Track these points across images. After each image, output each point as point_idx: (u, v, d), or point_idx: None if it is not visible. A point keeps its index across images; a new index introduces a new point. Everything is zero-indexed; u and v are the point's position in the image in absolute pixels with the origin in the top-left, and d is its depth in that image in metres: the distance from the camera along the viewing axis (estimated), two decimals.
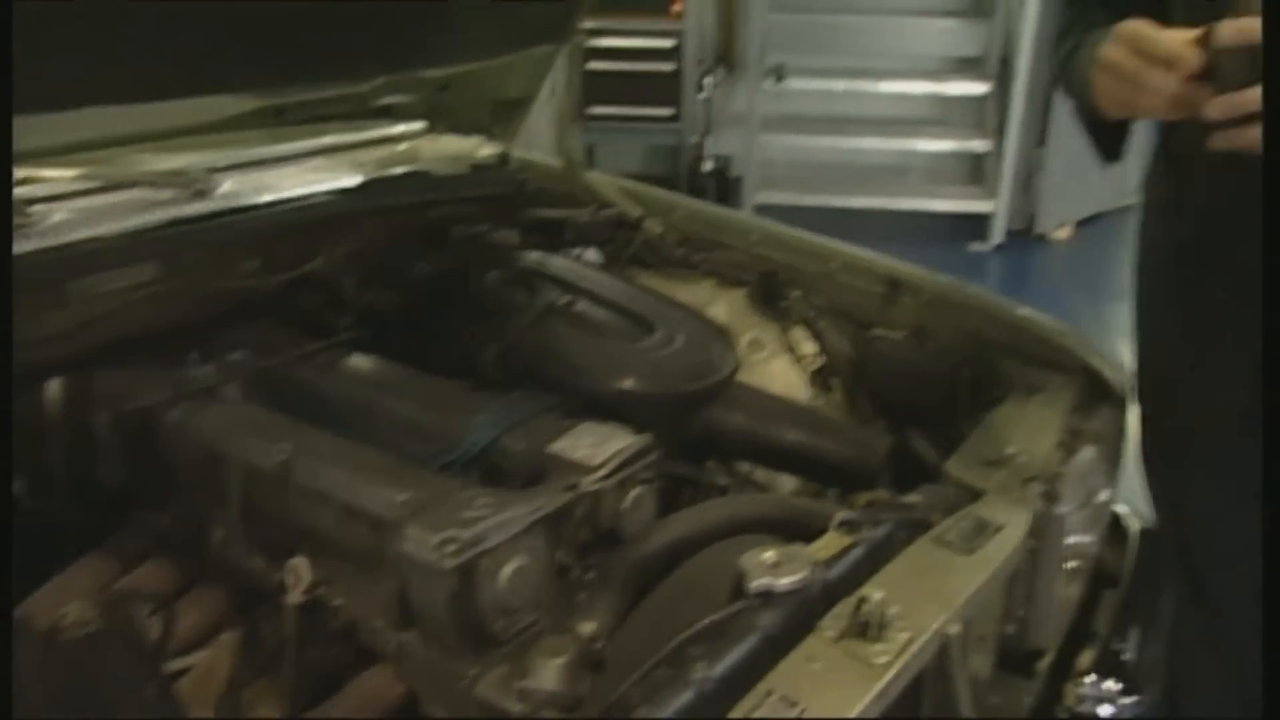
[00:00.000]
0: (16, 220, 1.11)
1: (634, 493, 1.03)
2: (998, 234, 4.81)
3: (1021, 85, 4.57)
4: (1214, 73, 0.99)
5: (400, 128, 1.67)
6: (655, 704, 0.77)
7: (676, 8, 4.41)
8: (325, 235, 1.40)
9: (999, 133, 4.77)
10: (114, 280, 1.19)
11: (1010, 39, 4.65)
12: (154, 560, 1.11)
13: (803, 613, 0.85)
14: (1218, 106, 0.97)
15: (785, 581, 0.85)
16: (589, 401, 1.16)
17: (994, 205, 4.79)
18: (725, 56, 4.93)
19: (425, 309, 1.39)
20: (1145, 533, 1.38)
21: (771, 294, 1.55)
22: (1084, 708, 1.20)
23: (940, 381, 1.39)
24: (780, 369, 1.48)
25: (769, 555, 0.87)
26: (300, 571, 0.98)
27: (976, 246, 4.82)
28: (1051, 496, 1.10)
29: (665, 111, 4.58)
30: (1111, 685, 1.21)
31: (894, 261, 1.54)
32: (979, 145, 4.95)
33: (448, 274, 1.44)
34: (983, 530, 1.00)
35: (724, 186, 4.85)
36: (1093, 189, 4.58)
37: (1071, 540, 1.16)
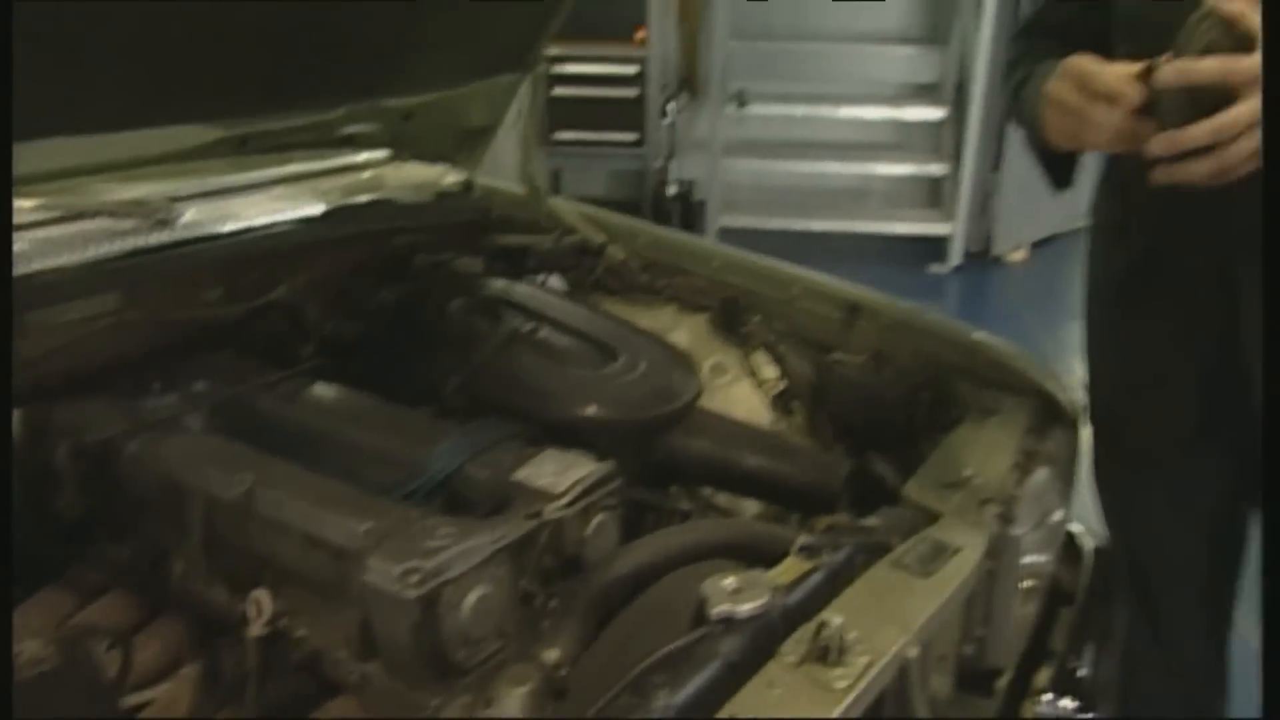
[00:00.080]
0: None
1: (597, 519, 1.02)
2: (955, 256, 4.87)
3: (977, 111, 4.64)
4: (1156, 109, 1.01)
5: (364, 156, 1.66)
6: None
7: (640, 35, 4.44)
8: (288, 264, 1.39)
9: (955, 157, 4.84)
10: (74, 310, 1.18)
11: (965, 66, 4.73)
12: (113, 593, 1.09)
13: (764, 638, 0.85)
14: (1159, 143, 0.99)
15: (746, 608, 0.85)
16: (552, 429, 1.15)
17: (951, 228, 4.86)
18: (688, 83, 4.96)
19: (389, 337, 1.38)
20: (1099, 551, 1.40)
21: (733, 319, 1.55)
22: None
23: (899, 404, 1.40)
24: (742, 393, 1.49)
25: (730, 582, 0.87)
26: (262, 603, 0.96)
27: (935, 268, 4.88)
28: (1007, 518, 1.12)
29: (630, 137, 4.60)
30: (1068, 703, 1.22)
31: (853, 287, 1.55)
32: (936, 169, 5.02)
33: (411, 302, 1.43)
34: (940, 553, 1.01)
35: (688, 210, 4.88)
36: (1046, 212, 4.65)
37: (1027, 560, 1.17)
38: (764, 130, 5.04)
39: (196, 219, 1.34)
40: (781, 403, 1.48)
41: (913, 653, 0.89)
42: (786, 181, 5.19)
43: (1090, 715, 1.23)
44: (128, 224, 1.26)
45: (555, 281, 1.63)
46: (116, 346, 1.21)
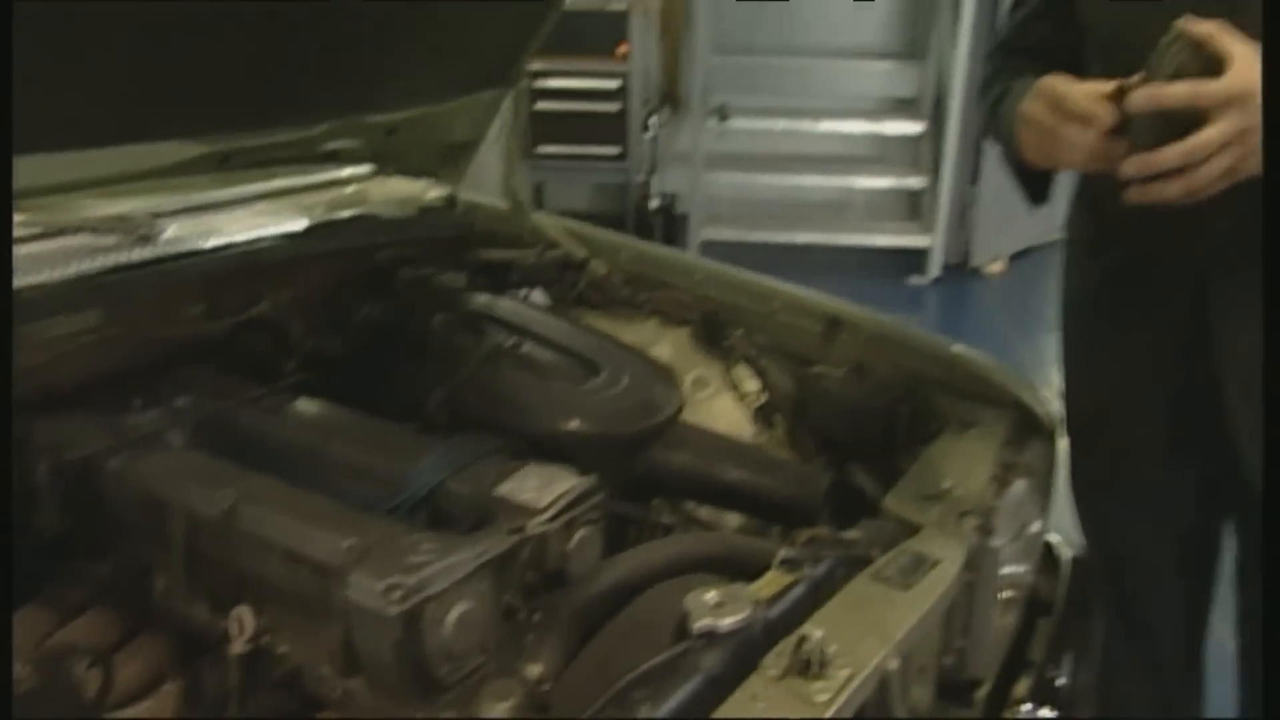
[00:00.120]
0: None
1: (580, 534, 1.02)
2: (935, 268, 4.90)
3: (954, 125, 4.67)
4: (1128, 129, 1.02)
5: (347, 171, 1.66)
6: None
7: (622, 50, 4.45)
8: (271, 279, 1.38)
9: (934, 170, 4.87)
10: (56, 327, 1.17)
11: (943, 81, 4.76)
12: (93, 611, 1.08)
13: (745, 652, 0.85)
14: (1132, 166, 1.01)
15: (728, 621, 0.85)
16: (535, 443, 1.15)
17: (931, 240, 4.88)
18: (670, 97, 4.98)
19: (372, 353, 1.37)
20: (1076, 561, 1.41)
21: (715, 333, 1.56)
22: None
23: (879, 417, 1.40)
24: (724, 406, 1.49)
25: (712, 596, 0.87)
26: (244, 620, 0.96)
27: (915, 280, 4.91)
28: (986, 530, 1.12)
29: (612, 150, 4.61)
30: (1047, 713, 1.22)
31: (833, 300, 1.56)
32: (915, 182, 5.04)
33: (394, 317, 1.43)
34: (920, 565, 1.01)
35: (670, 223, 4.89)
36: (1024, 224, 4.68)
37: (1006, 571, 1.17)
38: (745, 144, 5.06)
39: (179, 235, 1.33)
40: (763, 416, 1.48)
41: (893, 665, 0.89)
42: (768, 195, 5.21)
43: None
44: (109, 240, 1.26)
45: (538, 296, 1.63)
46: (98, 363, 1.20)
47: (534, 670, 0.90)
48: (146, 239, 1.28)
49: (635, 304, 1.63)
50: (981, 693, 1.20)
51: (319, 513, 1.01)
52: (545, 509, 1.00)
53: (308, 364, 1.34)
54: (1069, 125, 1.07)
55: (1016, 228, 4.76)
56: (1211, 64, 0.98)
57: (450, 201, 1.72)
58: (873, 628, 0.89)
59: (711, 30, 4.71)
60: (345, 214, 1.54)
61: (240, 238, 1.37)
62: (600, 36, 4.33)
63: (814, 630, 0.84)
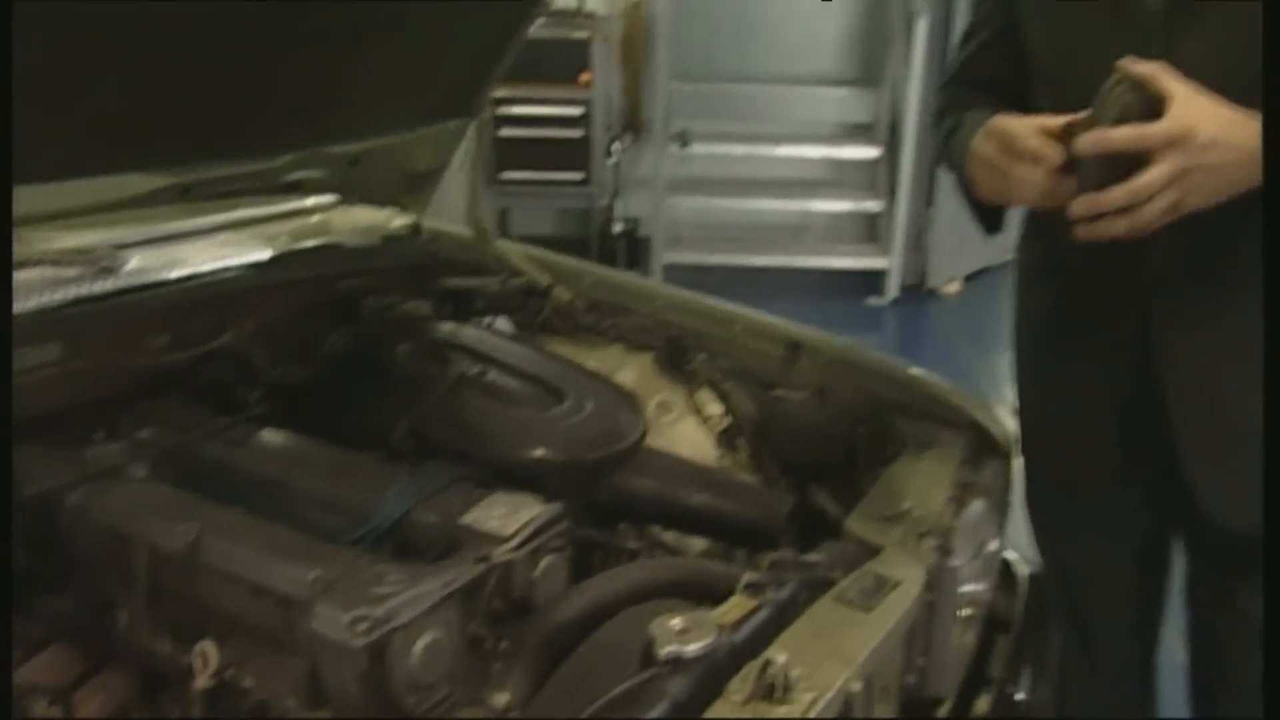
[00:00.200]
0: None
1: (546, 561, 1.02)
2: (892, 289, 4.95)
3: (909, 150, 4.73)
4: (1076, 169, 1.05)
5: (311, 200, 1.65)
6: None
7: (584, 77, 4.47)
8: (235, 310, 1.37)
9: (890, 194, 4.92)
10: (16, 360, 1.15)
11: (897, 107, 4.82)
12: (55, 647, 1.06)
13: (711, 677, 0.85)
14: (1080, 206, 1.03)
15: (693, 647, 0.85)
16: (500, 471, 1.15)
17: (888, 262, 4.93)
18: (632, 123, 5.00)
19: (337, 382, 1.36)
20: (1033, 577, 1.42)
21: (678, 357, 1.56)
22: None
23: (840, 439, 1.41)
24: (688, 430, 1.49)
25: (677, 622, 0.87)
26: (208, 654, 0.94)
27: (873, 301, 4.95)
28: (945, 550, 1.13)
29: (575, 176, 4.62)
30: None
31: (793, 325, 1.57)
32: (872, 206, 5.10)
33: (359, 346, 1.41)
34: (882, 586, 1.02)
35: (633, 247, 4.90)
36: (978, 246, 4.70)
37: (965, 589, 1.18)
38: (706, 169, 5.09)
39: (141, 266, 1.31)
40: (726, 439, 1.49)
41: (856, 687, 0.89)
42: (729, 218, 5.24)
43: None
44: (71, 272, 1.24)
45: (502, 323, 1.63)
46: (59, 395, 1.19)
47: (501, 699, 0.90)
48: (108, 271, 1.26)
49: (599, 330, 1.63)
50: (943, 710, 1.21)
51: (284, 544, 1.00)
52: (511, 537, 1.00)
53: (272, 394, 1.33)
54: (1019, 164, 1.10)
55: (971, 249, 4.82)
56: (1153, 103, 1.01)
57: (414, 230, 1.72)
58: (836, 650, 0.90)
59: (672, 58, 4.74)
60: (309, 243, 1.52)
61: (204, 268, 1.36)
62: (563, 64, 4.35)
63: (778, 655, 0.84)
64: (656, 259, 4.88)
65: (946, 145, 1.31)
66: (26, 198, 1.18)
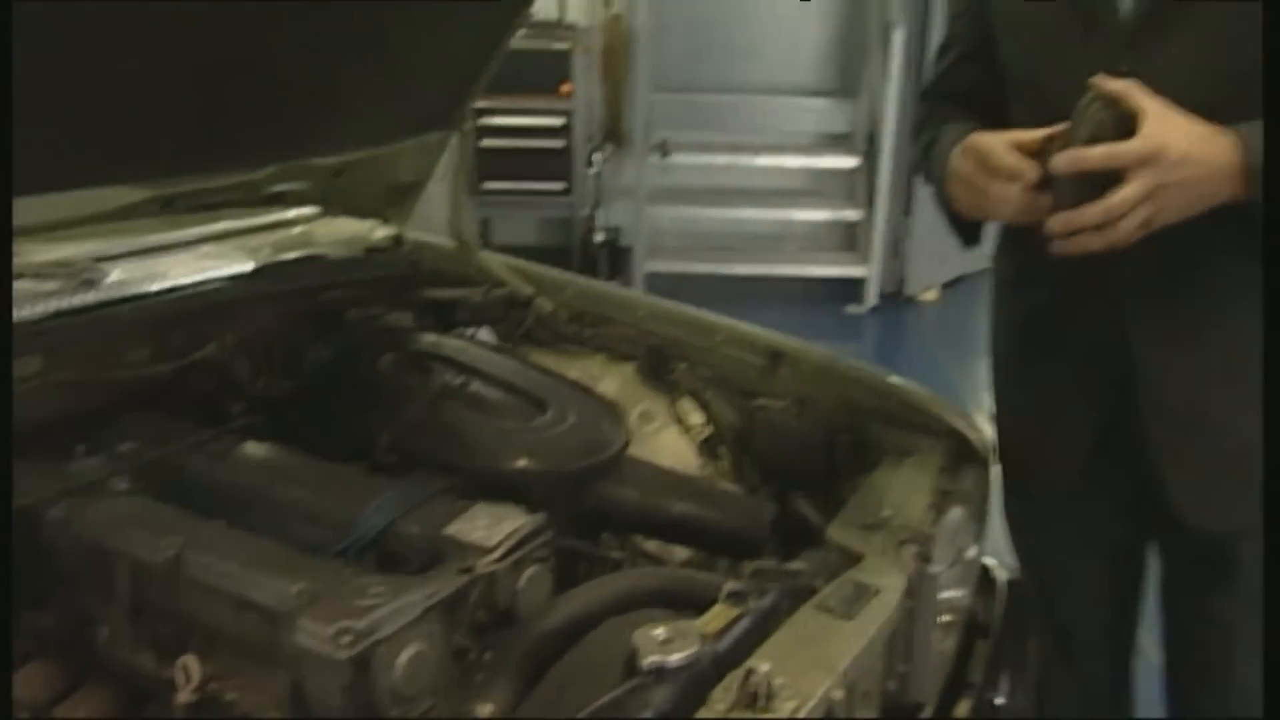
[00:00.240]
0: None
1: (529, 572, 1.02)
2: (871, 297, 4.97)
3: (887, 159, 4.76)
4: (1052, 185, 1.06)
5: (293, 212, 1.64)
6: None
7: (565, 88, 4.48)
8: (218, 322, 1.36)
9: (869, 203, 4.95)
10: None
11: (875, 117, 4.86)
12: (35, 662, 1.05)
13: (694, 687, 0.85)
14: (1056, 224, 1.05)
15: (676, 657, 0.85)
16: (484, 482, 1.14)
17: (867, 270, 4.96)
18: (613, 133, 5.01)
19: (319, 394, 1.35)
20: (1012, 583, 1.43)
21: (660, 367, 1.56)
22: None
23: (820, 448, 1.42)
24: (670, 439, 1.49)
25: (660, 632, 0.87)
26: (190, 668, 0.93)
27: (852, 309, 4.97)
28: (925, 557, 1.13)
29: (557, 186, 4.62)
30: None
31: (774, 334, 1.58)
32: (851, 214, 5.13)
33: (342, 358, 1.41)
34: (863, 594, 1.02)
35: (615, 256, 4.91)
36: (955, 254, 4.72)
37: (945, 596, 1.19)
38: (687, 178, 5.11)
39: (122, 279, 1.31)
40: (708, 448, 1.49)
41: (838, 694, 0.89)
42: (709, 227, 5.25)
43: None
44: (51, 285, 1.23)
45: (485, 334, 1.62)
46: (40, 409, 1.17)
47: (485, 710, 0.89)
48: (90, 283, 1.25)
49: (581, 340, 1.63)
50: (924, 716, 1.21)
51: (267, 557, 0.99)
52: (495, 548, 0.99)
53: (255, 406, 1.32)
54: (996, 182, 1.11)
55: (948, 257, 4.85)
56: (1126, 120, 1.02)
57: (397, 241, 1.71)
58: (818, 659, 0.90)
59: (652, 69, 4.76)
60: (292, 255, 1.52)
61: (185, 281, 1.35)
62: (544, 75, 4.36)
63: (761, 664, 0.84)
64: (638, 268, 4.88)
65: (925, 158, 1.32)
66: None
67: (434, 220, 1.84)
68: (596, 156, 4.75)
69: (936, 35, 4.32)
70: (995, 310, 1.45)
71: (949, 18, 1.42)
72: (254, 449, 1.23)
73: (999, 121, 1.26)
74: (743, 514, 1.26)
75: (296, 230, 1.62)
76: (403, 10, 1.37)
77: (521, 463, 1.20)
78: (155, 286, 1.31)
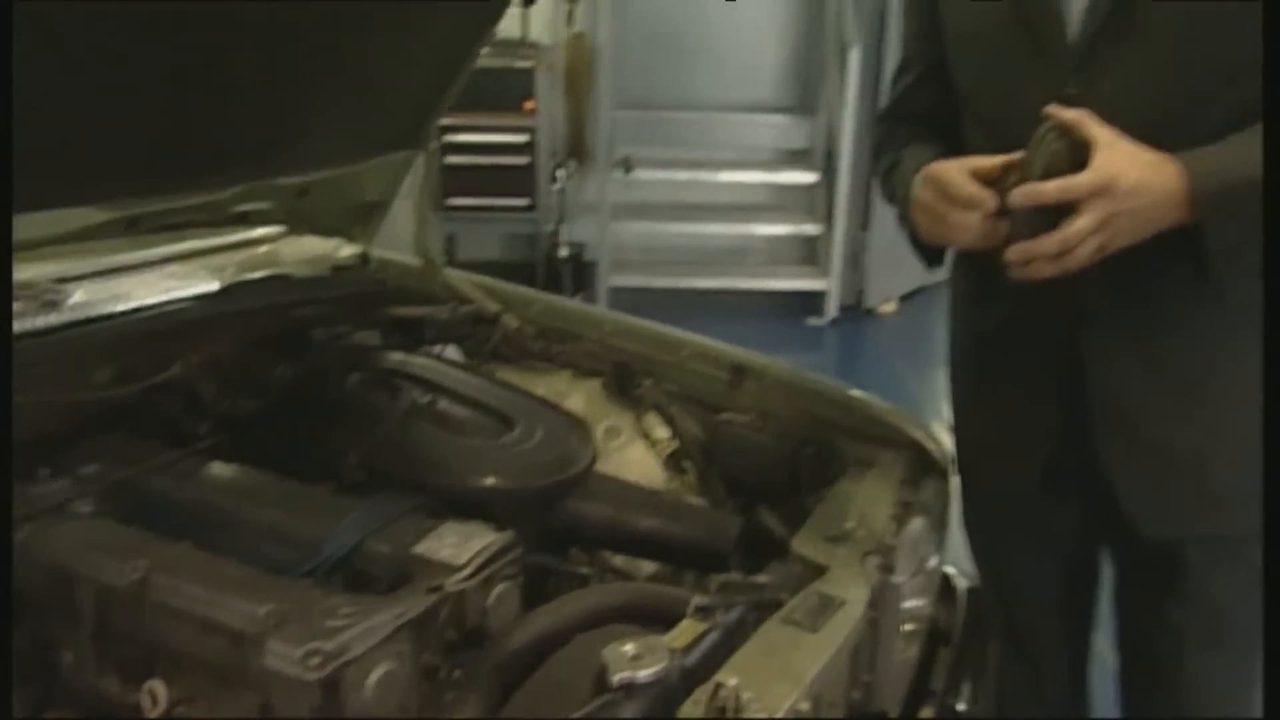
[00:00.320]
0: None
1: (498, 589, 1.01)
2: (832, 309, 5.01)
3: (845, 175, 4.81)
4: (1009, 215, 1.09)
5: (259, 231, 1.63)
6: None
7: (529, 105, 4.47)
8: (182, 342, 1.34)
9: (828, 217, 4.99)
10: None
11: (833, 134, 4.90)
12: None
13: (664, 702, 0.85)
14: (1014, 254, 1.08)
15: (646, 673, 0.85)
16: (452, 500, 1.14)
17: (827, 283, 5.00)
18: (576, 150, 5.01)
19: (286, 413, 1.34)
20: (971, 591, 1.44)
21: (625, 383, 1.56)
22: None
23: (784, 460, 1.42)
24: (636, 454, 1.50)
25: (630, 648, 0.87)
26: (157, 692, 0.92)
27: (813, 321, 5.01)
28: (888, 568, 1.14)
29: (521, 202, 4.61)
30: None
31: (737, 349, 1.58)
32: (811, 229, 5.17)
33: (309, 377, 1.39)
34: (828, 606, 1.03)
35: (579, 271, 4.90)
36: (913, 267, 4.76)
37: (907, 605, 1.19)
38: (649, 194, 5.13)
39: (86, 300, 1.29)
40: (674, 462, 1.49)
41: (805, 706, 0.90)
42: (672, 242, 5.27)
43: None
44: (13, 307, 1.20)
45: (452, 352, 1.61)
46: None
47: None
48: (52, 304, 1.23)
49: (548, 357, 1.63)
50: None
51: (234, 579, 0.97)
52: (464, 566, 0.99)
53: (221, 426, 1.30)
54: (955, 210, 1.14)
55: (906, 270, 4.86)
56: (1080, 149, 1.06)
57: (363, 259, 1.70)
58: (785, 671, 0.90)
59: (614, 86, 4.78)
60: (257, 274, 1.50)
61: (150, 301, 1.33)
62: (507, 93, 4.35)
63: (729, 677, 0.84)
64: (602, 282, 4.89)
65: (888, 181, 1.34)
66: None
67: (399, 238, 1.83)
68: (560, 173, 4.75)
69: (892, 54, 4.38)
70: (953, 323, 1.47)
71: (905, 38, 1.44)
72: (220, 469, 1.21)
73: (957, 141, 1.28)
74: (709, 528, 1.27)
75: (261, 250, 1.61)
76: (368, 30, 1.36)
77: (490, 480, 1.20)
78: (119, 307, 1.29)
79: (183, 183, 1.35)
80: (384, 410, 1.31)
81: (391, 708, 0.88)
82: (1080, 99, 1.11)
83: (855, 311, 5.09)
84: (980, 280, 1.35)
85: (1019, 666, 1.52)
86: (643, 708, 0.84)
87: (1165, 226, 1.07)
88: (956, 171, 1.14)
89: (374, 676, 0.87)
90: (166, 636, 0.95)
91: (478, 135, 4.36)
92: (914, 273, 5.41)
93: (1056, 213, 1.05)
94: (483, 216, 4.65)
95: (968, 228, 1.14)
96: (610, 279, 4.90)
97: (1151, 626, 1.37)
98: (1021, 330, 1.27)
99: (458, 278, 1.77)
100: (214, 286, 1.41)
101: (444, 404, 1.35)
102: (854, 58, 4.58)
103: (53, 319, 1.22)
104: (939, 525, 1.36)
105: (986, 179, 1.12)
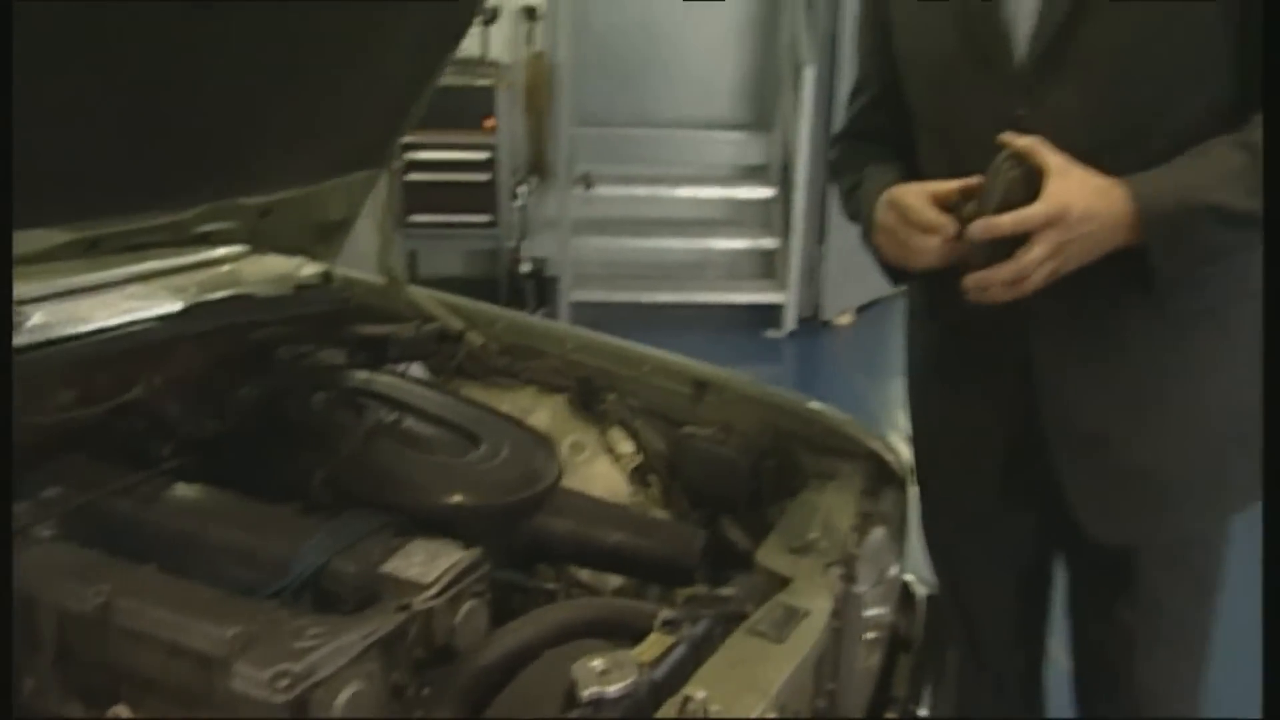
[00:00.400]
0: None
1: (466, 607, 1.01)
2: (790, 322, 5.05)
3: (801, 190, 4.86)
4: (966, 244, 1.12)
5: (221, 251, 1.61)
6: None
7: (489, 123, 4.46)
8: (145, 363, 1.32)
9: (785, 231, 5.04)
10: None
11: (789, 150, 4.95)
12: None
13: (633, 716, 0.84)
14: (972, 282, 1.12)
15: (615, 688, 0.85)
16: (419, 518, 1.13)
17: (785, 296, 5.04)
18: (537, 167, 5.01)
19: (251, 434, 1.32)
20: (930, 598, 1.46)
21: (589, 398, 1.56)
22: None
23: (747, 473, 1.43)
24: (601, 469, 1.49)
25: (598, 663, 0.87)
26: (122, 718, 0.90)
27: (771, 333, 5.04)
28: (850, 578, 1.15)
29: (483, 218, 4.60)
30: None
31: (699, 363, 1.59)
32: (768, 243, 5.21)
33: (273, 397, 1.37)
34: (792, 617, 1.03)
35: (541, 286, 4.89)
36: (869, 279, 4.84)
37: (869, 614, 1.21)
38: (609, 210, 5.14)
39: (45, 321, 1.26)
40: (638, 476, 1.49)
41: (772, 716, 0.90)
42: (632, 257, 5.29)
43: None
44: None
45: (417, 369, 1.60)
46: None
47: None
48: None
49: (512, 373, 1.62)
50: None
51: (200, 601, 0.96)
52: (431, 584, 0.98)
53: (185, 448, 1.28)
54: (916, 235, 1.17)
55: (862, 283, 4.95)
56: (1034, 174, 1.09)
57: (326, 278, 1.69)
58: (751, 682, 0.91)
59: (574, 104, 4.78)
60: (220, 294, 1.48)
61: (111, 322, 1.31)
62: (468, 111, 4.34)
63: (697, 690, 0.85)
64: (563, 297, 4.88)
65: (851, 201, 1.36)
66: None
67: (362, 256, 1.82)
68: (521, 189, 4.74)
69: (846, 72, 4.44)
70: (909, 335, 1.49)
71: (860, 57, 1.46)
72: (185, 491, 1.20)
73: (912, 157, 1.30)
74: (674, 541, 1.27)
75: (224, 269, 1.59)
76: (332, 50, 1.35)
77: (456, 498, 1.19)
78: (80, 329, 1.27)
79: (145, 203, 1.33)
80: (349, 429, 1.29)
81: None
82: (1029, 120, 1.14)
83: (812, 323, 5.13)
84: (935, 292, 1.37)
85: (977, 670, 1.54)
86: None
87: (1114, 248, 1.11)
88: (916, 197, 1.17)
89: (343, 697, 0.86)
90: (131, 661, 0.94)
91: (439, 153, 4.34)
92: (869, 285, 5.46)
93: (1012, 241, 1.09)
94: (444, 233, 4.62)
95: (928, 251, 1.17)
96: (572, 294, 4.90)
97: (1104, 629, 1.39)
98: (975, 339, 1.30)
99: (422, 295, 1.76)
100: (176, 307, 1.39)
101: (409, 422, 1.34)
102: (808, 76, 4.63)
103: (13, 341, 1.19)
104: (899, 534, 1.37)
105: (945, 204, 1.15)
